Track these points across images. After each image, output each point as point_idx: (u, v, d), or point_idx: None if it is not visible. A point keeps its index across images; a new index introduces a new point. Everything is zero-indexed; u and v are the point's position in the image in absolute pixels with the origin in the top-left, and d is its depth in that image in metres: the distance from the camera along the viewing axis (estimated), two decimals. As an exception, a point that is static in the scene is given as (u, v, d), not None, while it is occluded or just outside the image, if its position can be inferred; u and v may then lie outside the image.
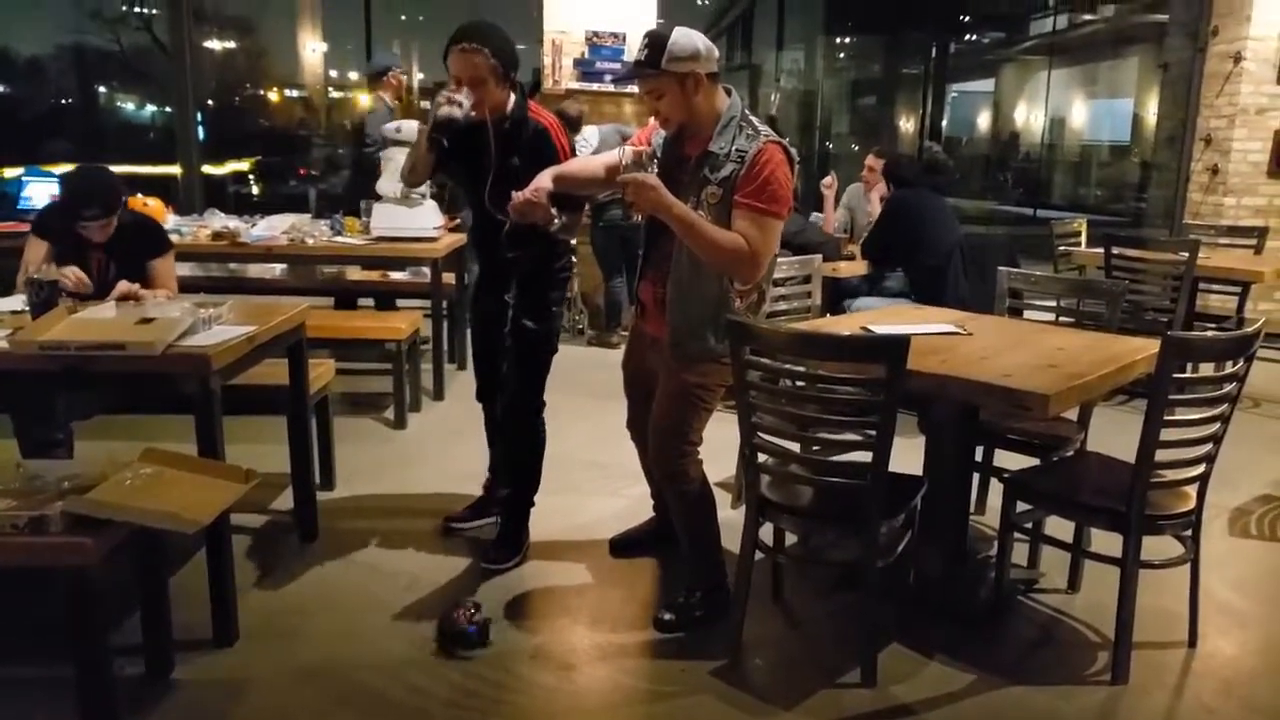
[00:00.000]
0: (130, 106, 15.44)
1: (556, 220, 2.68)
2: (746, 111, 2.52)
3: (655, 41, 2.44)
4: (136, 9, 14.30)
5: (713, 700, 2.35)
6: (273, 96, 16.79)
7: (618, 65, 6.31)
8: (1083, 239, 5.82)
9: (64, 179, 3.15)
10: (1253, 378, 5.09)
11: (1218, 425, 2.43)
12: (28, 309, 2.67)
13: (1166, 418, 2.31)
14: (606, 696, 2.39)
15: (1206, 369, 3.42)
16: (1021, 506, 2.67)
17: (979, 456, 3.12)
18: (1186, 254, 4.63)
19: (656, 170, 2.48)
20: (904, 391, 2.24)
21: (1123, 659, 2.44)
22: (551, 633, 2.66)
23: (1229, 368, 2.47)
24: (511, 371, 3.01)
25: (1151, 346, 2.58)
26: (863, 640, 2.48)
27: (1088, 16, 15.74)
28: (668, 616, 2.66)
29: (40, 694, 2.27)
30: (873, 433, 2.29)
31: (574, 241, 3.62)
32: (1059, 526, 2.81)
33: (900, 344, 2.18)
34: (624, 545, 3.13)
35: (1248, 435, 4.60)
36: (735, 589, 2.56)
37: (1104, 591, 2.65)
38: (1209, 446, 2.45)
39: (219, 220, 5.13)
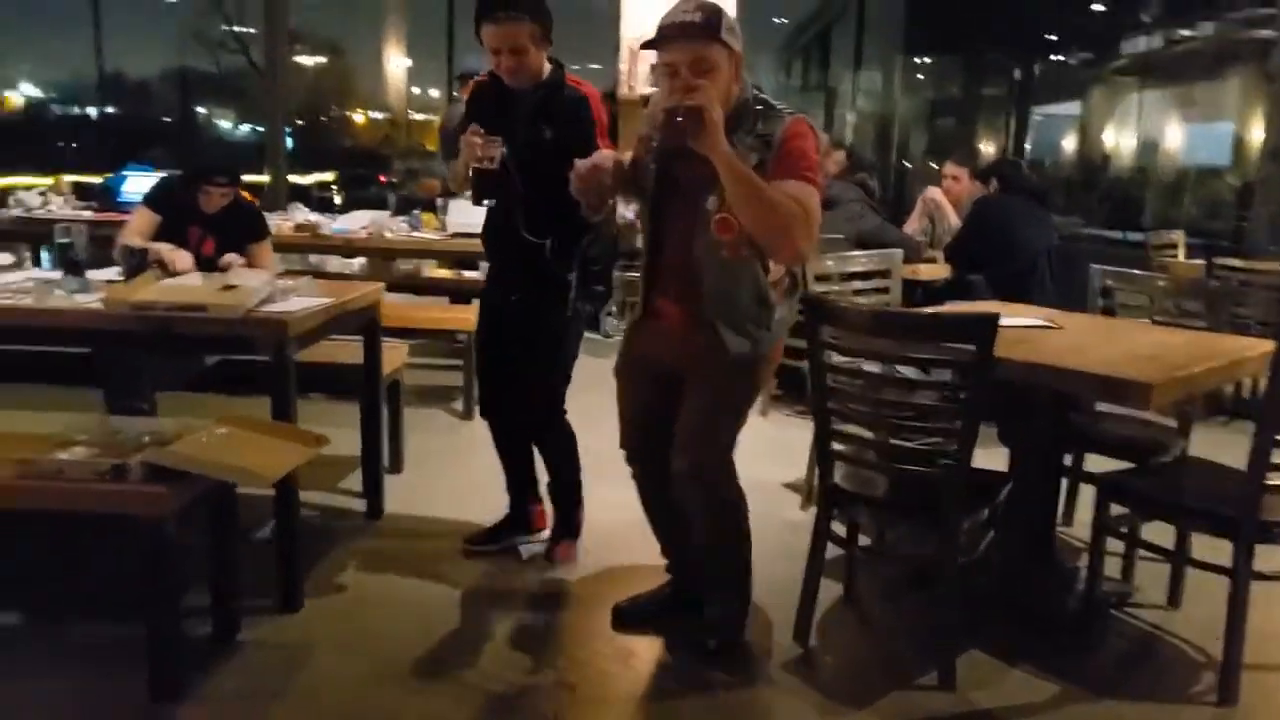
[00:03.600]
0: (225, 124, 16.14)
1: (623, 213, 2.57)
2: (756, 91, 2.22)
3: (709, 8, 2.11)
4: (234, 28, 14.92)
5: (780, 695, 2.26)
6: (358, 117, 17.35)
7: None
8: (1180, 252, 5.57)
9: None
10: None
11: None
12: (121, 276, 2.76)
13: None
14: (670, 685, 2.31)
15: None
16: (1116, 511, 2.52)
17: (1068, 463, 2.97)
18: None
19: (654, 171, 2.26)
20: (989, 387, 2.13)
21: (1231, 677, 2.26)
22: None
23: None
24: (528, 377, 2.78)
25: (1262, 346, 2.42)
26: (940, 642, 2.35)
27: (1185, 33, 15.19)
28: (711, 644, 2.40)
29: (111, 654, 2.29)
30: (956, 421, 2.19)
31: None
32: (1155, 537, 2.65)
33: (989, 321, 2.08)
34: (633, 616, 2.57)
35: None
36: (805, 581, 2.47)
37: (1207, 608, 2.47)
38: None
39: (301, 214, 5.25)
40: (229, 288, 2.60)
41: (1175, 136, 17.37)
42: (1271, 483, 2.19)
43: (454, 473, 3.69)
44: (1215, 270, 4.53)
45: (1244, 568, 2.21)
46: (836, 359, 2.30)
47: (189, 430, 2.29)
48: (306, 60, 14.96)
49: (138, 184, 5.51)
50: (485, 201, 2.68)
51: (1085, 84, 20.02)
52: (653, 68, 2.33)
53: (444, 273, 5.73)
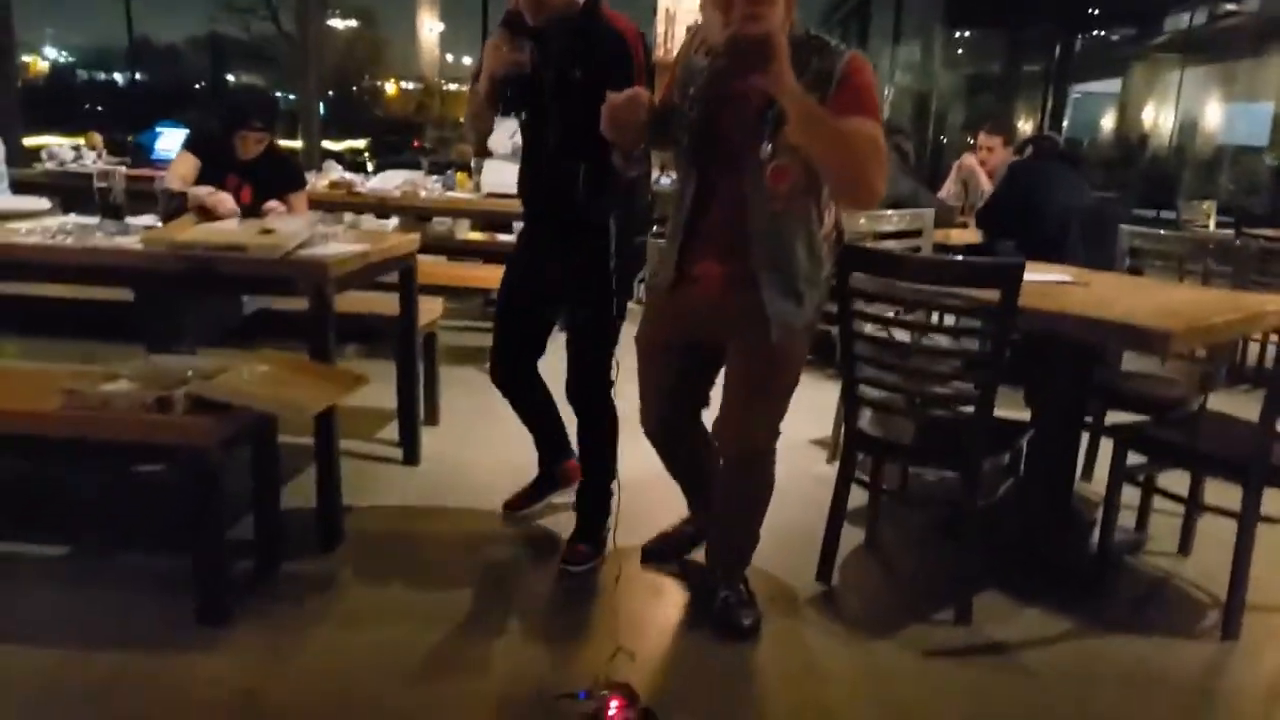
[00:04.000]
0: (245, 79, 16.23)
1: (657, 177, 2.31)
2: (809, 29, 2.06)
3: None
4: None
5: (803, 627, 2.34)
6: (389, 87, 17.37)
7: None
8: (1210, 222, 5.53)
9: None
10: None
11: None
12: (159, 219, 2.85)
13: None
14: (694, 619, 2.39)
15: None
16: (1134, 461, 2.56)
17: (1090, 421, 3.00)
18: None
19: (693, 119, 2.09)
20: (1012, 334, 2.17)
21: (1235, 614, 2.33)
22: (636, 556, 2.67)
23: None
24: (574, 350, 2.57)
25: (1281, 300, 2.45)
26: (959, 581, 2.42)
27: (1230, 6, 14.88)
28: (747, 622, 2.29)
29: (157, 583, 2.40)
30: (981, 367, 2.24)
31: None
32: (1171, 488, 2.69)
33: (1015, 267, 2.12)
34: (661, 555, 2.63)
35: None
36: (829, 524, 2.54)
37: (1217, 555, 2.51)
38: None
39: (336, 172, 5.35)
40: (267, 231, 2.69)
41: (1215, 115, 17.07)
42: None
43: (490, 426, 3.75)
44: (1241, 232, 4.51)
45: (1252, 510, 2.27)
46: (865, 306, 2.35)
47: (231, 368, 2.39)
48: (339, 24, 15.03)
49: (171, 141, 5.65)
50: (515, 115, 2.45)
51: (1126, 61, 19.67)
52: None
53: (478, 235, 5.83)
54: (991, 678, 2.17)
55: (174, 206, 2.81)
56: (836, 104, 1.94)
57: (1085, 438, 3.07)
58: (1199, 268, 3.27)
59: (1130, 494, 2.78)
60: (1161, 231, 3.35)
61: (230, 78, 15.83)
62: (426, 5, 13.50)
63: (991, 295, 2.16)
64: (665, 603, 2.45)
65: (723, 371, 2.24)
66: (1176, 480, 2.65)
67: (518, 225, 5.35)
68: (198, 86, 15.51)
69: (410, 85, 16.48)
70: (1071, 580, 2.60)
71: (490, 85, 2.39)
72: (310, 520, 2.66)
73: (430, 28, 13.41)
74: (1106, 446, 2.87)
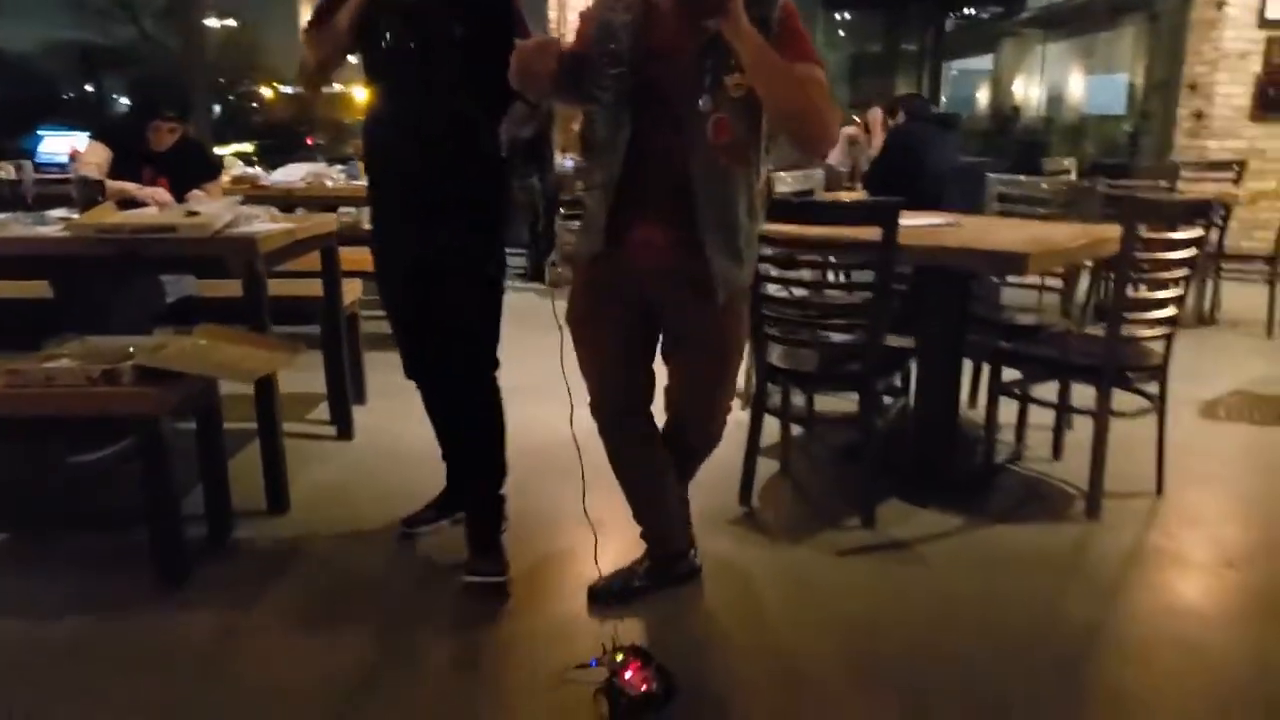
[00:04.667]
0: (123, 98, 15.65)
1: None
2: None
3: None
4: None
5: (728, 541, 2.57)
6: (267, 92, 16.89)
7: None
8: (1072, 176, 6.01)
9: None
10: (1233, 301, 5.36)
11: (1179, 287, 2.65)
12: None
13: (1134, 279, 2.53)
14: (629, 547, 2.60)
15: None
16: (1010, 378, 2.90)
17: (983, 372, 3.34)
18: (1165, 181, 4.84)
19: (620, 76, 1.98)
20: (895, 267, 2.45)
21: (1096, 499, 2.68)
22: (564, 499, 2.86)
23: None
24: (459, 328, 2.32)
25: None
26: (863, 493, 2.70)
27: (1084, -15, 15.86)
28: (637, 584, 2.29)
29: (111, 557, 2.49)
30: (870, 298, 2.51)
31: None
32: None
33: (894, 205, 2.40)
34: (608, 596, 2.30)
35: (1227, 347, 4.89)
36: (746, 452, 2.78)
37: (1084, 459, 2.83)
38: (1172, 309, 2.67)
39: (238, 168, 5.37)
40: (192, 214, 2.78)
41: (1077, 86, 18.16)
42: (1124, 335, 2.58)
43: (416, 403, 3.85)
44: (1089, 177, 4.97)
45: (1104, 407, 2.62)
46: (766, 250, 2.59)
47: (170, 343, 2.49)
48: (214, 23, 14.55)
49: (55, 144, 5.55)
50: (375, 68, 2.22)
51: (996, 37, 20.70)
52: None
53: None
54: (895, 567, 2.46)
55: (90, 194, 2.84)
56: (780, 48, 1.88)
57: (971, 369, 3.42)
58: (1057, 212, 3.65)
59: (1011, 416, 3.15)
60: (1022, 178, 3.71)
61: (90, 87, 15.20)
62: (306, 6, 13.29)
63: (875, 234, 2.44)
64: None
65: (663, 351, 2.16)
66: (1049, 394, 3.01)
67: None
68: (66, 97, 14.87)
69: (289, 89, 16.06)
70: (961, 487, 2.92)
71: (355, 15, 2.14)
72: (255, 493, 2.77)
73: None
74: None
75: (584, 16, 2.15)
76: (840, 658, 2.04)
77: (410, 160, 2.24)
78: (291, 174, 5.23)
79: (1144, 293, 2.64)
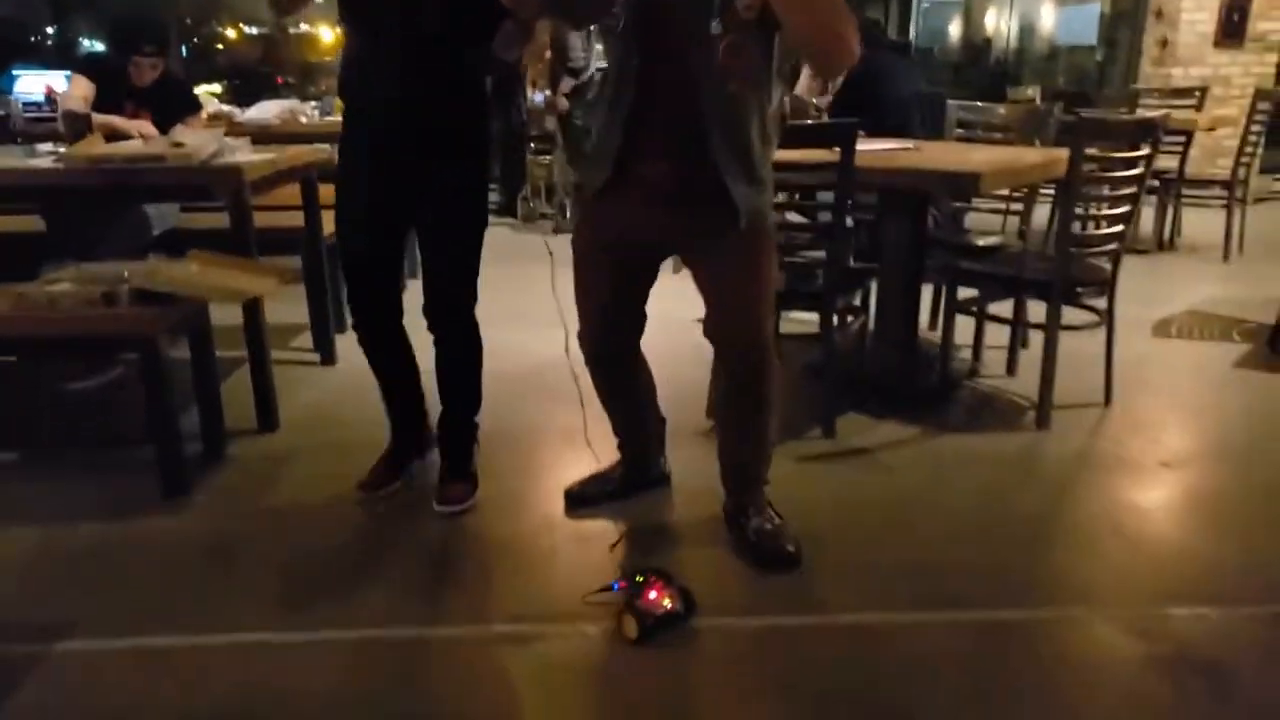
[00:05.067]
0: (90, 39, 15.31)
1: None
2: None
3: None
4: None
5: (701, 453, 2.70)
6: (231, 34, 16.55)
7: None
8: (1037, 104, 6.12)
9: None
10: (1194, 227, 5.54)
11: (1127, 206, 2.80)
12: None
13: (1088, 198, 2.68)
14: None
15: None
16: (966, 296, 3.05)
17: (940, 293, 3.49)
18: (1125, 108, 4.96)
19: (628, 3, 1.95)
20: (854, 185, 2.57)
21: (1045, 409, 2.86)
22: (547, 417, 3.01)
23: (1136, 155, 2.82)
24: (441, 260, 2.32)
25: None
26: (825, 407, 2.86)
27: (1054, -87, 15.73)
28: (791, 548, 2.15)
29: (116, 471, 2.62)
30: (830, 219, 2.64)
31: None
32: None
33: (849, 127, 2.52)
34: (586, 499, 2.43)
35: (1184, 270, 5.08)
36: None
37: (1038, 374, 2.97)
38: (1120, 226, 2.82)
39: (213, 105, 5.36)
40: (177, 145, 2.85)
41: (1049, 17, 18.13)
42: (1073, 252, 2.73)
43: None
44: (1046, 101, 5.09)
45: (1054, 321, 2.78)
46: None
47: (164, 267, 2.58)
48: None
49: (30, 84, 5.51)
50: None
51: (966, -33, 20.53)
52: None
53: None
54: (855, 473, 2.64)
55: (79, 127, 2.91)
56: None
57: (932, 290, 3.56)
58: (1014, 137, 3.77)
59: (970, 335, 3.31)
60: (979, 104, 3.82)
61: (50, 29, 14.83)
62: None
63: (834, 156, 2.56)
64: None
65: (691, 279, 2.12)
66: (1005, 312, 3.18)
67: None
68: (34, 39, 14.53)
69: (255, 30, 15.74)
70: (918, 401, 3.09)
71: None
72: (246, 415, 2.89)
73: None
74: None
75: None
76: (804, 541, 2.19)
77: (394, 92, 2.16)
78: (266, 111, 5.23)
79: (1093, 210, 2.78)
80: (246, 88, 12.93)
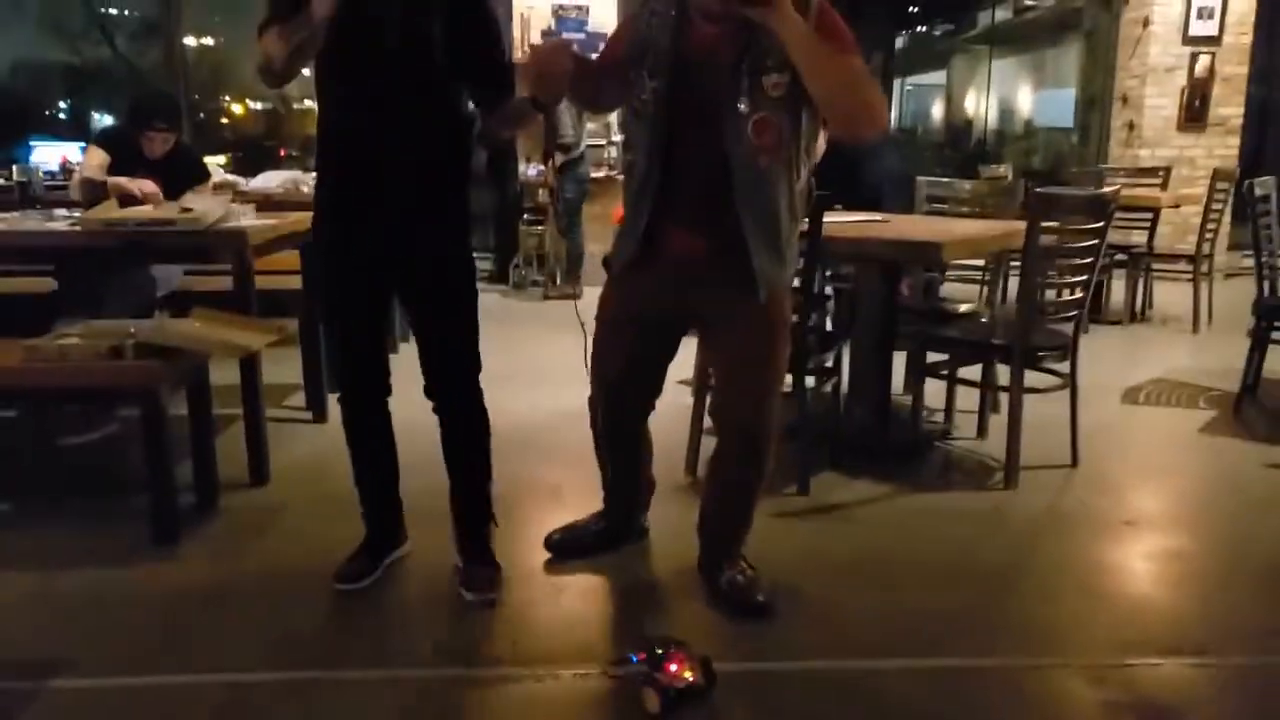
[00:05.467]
0: (107, 118, 15.67)
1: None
2: None
3: None
4: (107, 10, 14.48)
5: (681, 508, 2.79)
6: (238, 108, 17.02)
7: (582, 36, 6.79)
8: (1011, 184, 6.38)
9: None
10: (1163, 301, 5.71)
11: (1084, 275, 2.96)
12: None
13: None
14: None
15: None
16: (935, 359, 3.20)
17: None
18: (1092, 186, 5.19)
19: (656, 83, 2.04)
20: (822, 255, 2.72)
21: (1013, 468, 2.97)
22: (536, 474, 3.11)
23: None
24: (441, 329, 2.26)
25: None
26: (799, 466, 2.97)
27: (1029, 2, 16.43)
28: (762, 598, 2.22)
29: (109, 521, 2.69)
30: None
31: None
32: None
33: (822, 198, 2.68)
34: (568, 549, 2.49)
35: (1154, 340, 5.27)
36: (691, 429, 3.04)
37: (1005, 438, 3.07)
38: (1078, 294, 2.98)
39: (220, 175, 5.56)
40: (186, 210, 3.01)
41: (1026, 100, 18.79)
42: (1033, 319, 2.88)
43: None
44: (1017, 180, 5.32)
45: (1017, 383, 2.91)
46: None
47: (170, 324, 2.70)
48: (191, 41, 14.66)
49: (45, 154, 5.74)
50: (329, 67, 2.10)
51: (947, 54, 21.32)
52: None
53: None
54: (826, 526, 2.74)
55: (96, 194, 3.07)
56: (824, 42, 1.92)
57: (907, 355, 3.70)
58: (980, 211, 3.97)
59: (944, 398, 3.44)
60: (945, 179, 4.02)
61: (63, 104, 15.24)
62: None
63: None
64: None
65: (702, 353, 2.30)
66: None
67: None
68: (47, 114, 14.99)
69: (259, 105, 16.21)
70: (891, 460, 3.20)
71: (332, 10, 1.96)
72: (238, 470, 2.98)
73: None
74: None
75: (619, 32, 2.27)
76: (777, 592, 2.27)
77: (384, 161, 2.14)
78: (269, 180, 5.43)
79: (1052, 279, 2.93)
80: (249, 159, 13.27)
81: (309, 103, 14.65)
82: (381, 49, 2.07)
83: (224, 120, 15.97)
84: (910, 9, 19.49)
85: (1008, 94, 18.99)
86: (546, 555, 2.50)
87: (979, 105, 20.10)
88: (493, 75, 2.18)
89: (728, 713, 1.87)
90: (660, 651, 1.87)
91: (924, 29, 21.51)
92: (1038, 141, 16.46)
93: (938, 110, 22.19)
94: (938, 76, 22.12)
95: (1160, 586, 2.46)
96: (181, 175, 3.67)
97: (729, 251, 2.03)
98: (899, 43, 19.40)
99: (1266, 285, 3.79)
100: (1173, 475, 3.25)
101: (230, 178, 5.42)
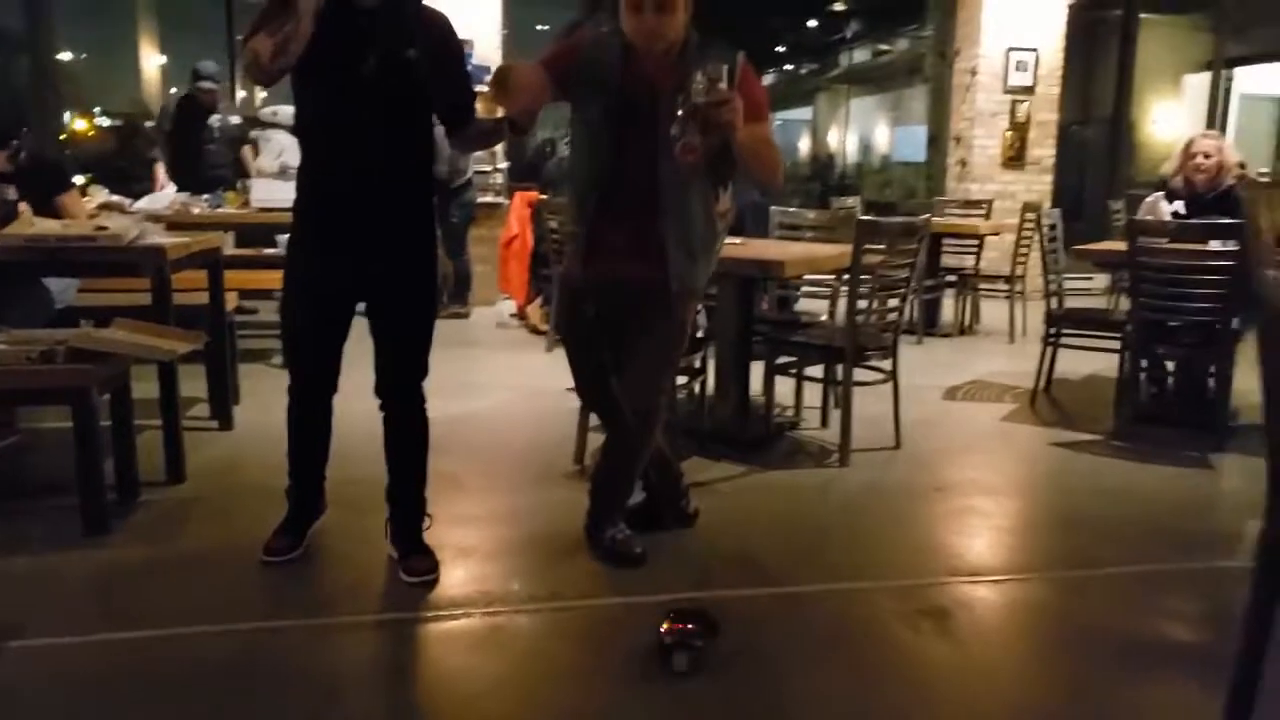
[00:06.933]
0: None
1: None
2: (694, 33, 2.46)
3: None
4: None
5: (570, 491, 3.18)
6: (81, 125, 16.34)
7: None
8: (856, 212, 7.09)
9: None
10: (991, 316, 6.45)
11: (902, 288, 3.54)
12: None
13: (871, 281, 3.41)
14: (498, 501, 3.23)
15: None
16: (785, 361, 3.73)
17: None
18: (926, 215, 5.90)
19: (613, 108, 2.41)
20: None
21: (845, 448, 3.52)
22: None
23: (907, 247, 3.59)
24: (401, 338, 2.48)
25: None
26: (671, 448, 3.40)
27: (884, 47, 17.74)
28: (639, 550, 2.64)
29: (39, 517, 2.91)
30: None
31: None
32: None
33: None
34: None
35: (977, 349, 6.00)
36: (579, 423, 3.46)
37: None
38: (896, 301, 3.57)
39: (103, 194, 5.65)
40: (101, 227, 3.24)
41: (884, 136, 20.17)
42: (859, 324, 3.44)
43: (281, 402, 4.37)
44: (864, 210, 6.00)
45: (847, 377, 3.47)
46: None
47: (94, 333, 2.94)
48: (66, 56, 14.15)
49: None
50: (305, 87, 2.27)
51: (813, 91, 22.62)
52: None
53: (246, 250, 6.28)
54: (696, 498, 3.17)
55: (5, 212, 3.24)
56: (746, 109, 2.27)
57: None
58: (833, 237, 4.55)
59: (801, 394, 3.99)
60: (791, 209, 4.60)
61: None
62: (147, 37, 13.24)
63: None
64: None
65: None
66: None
67: (283, 237, 5.88)
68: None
69: (108, 121, 15.50)
70: (747, 447, 3.70)
71: (319, 4, 2.17)
72: (155, 471, 3.20)
73: (153, 62, 13.15)
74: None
75: (565, 49, 2.54)
76: (647, 543, 2.71)
77: (361, 180, 2.33)
78: (157, 202, 5.57)
79: (876, 291, 3.50)
80: (109, 177, 12.84)
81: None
82: (359, 74, 2.24)
83: (61, 137, 15.30)
84: (777, 49, 20.66)
85: (866, 130, 20.36)
86: (459, 528, 2.86)
87: (840, 140, 21.46)
88: (461, 98, 2.43)
89: (620, 635, 2.28)
90: (680, 619, 2.13)
91: (791, 68, 22.79)
92: (893, 175, 17.76)
93: (805, 144, 23.50)
94: (805, 112, 23.46)
95: (956, 534, 3.04)
96: (40, 185, 3.66)
97: (651, 250, 2.43)
98: (769, 79, 20.49)
99: (1054, 300, 4.51)
100: (977, 453, 3.88)
101: (116, 198, 5.52)
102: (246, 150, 6.72)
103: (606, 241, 2.50)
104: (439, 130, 2.49)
